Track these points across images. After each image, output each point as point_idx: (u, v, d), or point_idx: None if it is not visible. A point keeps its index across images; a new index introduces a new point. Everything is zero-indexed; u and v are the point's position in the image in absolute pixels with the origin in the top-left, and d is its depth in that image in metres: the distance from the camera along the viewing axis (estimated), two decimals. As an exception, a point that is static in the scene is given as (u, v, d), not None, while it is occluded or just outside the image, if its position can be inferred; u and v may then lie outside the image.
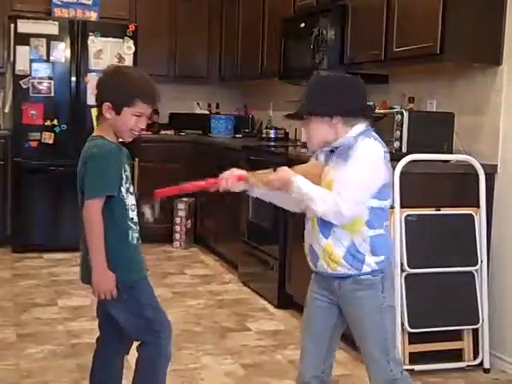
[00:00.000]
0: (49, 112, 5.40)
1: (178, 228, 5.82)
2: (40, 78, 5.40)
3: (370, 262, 1.92)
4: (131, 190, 2.31)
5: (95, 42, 5.53)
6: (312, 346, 2.11)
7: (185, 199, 5.86)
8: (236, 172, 2.02)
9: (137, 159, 5.70)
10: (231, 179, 2.00)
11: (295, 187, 1.86)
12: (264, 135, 5.54)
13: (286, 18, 4.85)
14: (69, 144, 5.45)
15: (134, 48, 5.61)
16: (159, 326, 2.29)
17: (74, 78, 5.48)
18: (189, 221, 5.83)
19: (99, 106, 2.22)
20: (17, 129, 5.41)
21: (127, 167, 2.33)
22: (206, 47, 6.35)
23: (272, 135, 5.46)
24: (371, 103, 1.92)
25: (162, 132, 6.12)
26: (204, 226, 5.72)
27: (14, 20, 5.35)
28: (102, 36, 5.54)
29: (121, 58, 5.59)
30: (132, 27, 5.62)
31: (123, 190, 2.26)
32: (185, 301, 4.24)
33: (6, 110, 5.66)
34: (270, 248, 4.32)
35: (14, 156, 5.41)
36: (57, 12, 5.66)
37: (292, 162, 4.07)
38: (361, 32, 3.95)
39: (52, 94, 5.42)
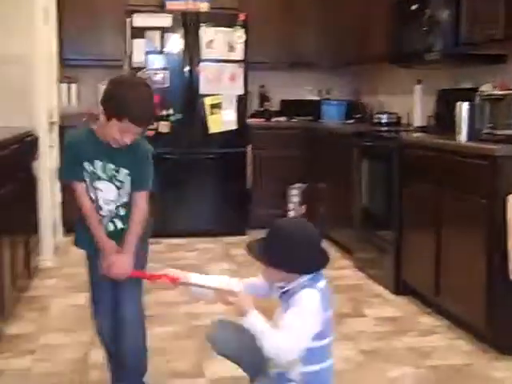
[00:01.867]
0: (164, 102, 5.54)
1: (291, 214, 5.86)
2: (155, 70, 5.57)
3: None
4: (99, 186, 2.44)
5: (207, 33, 5.63)
6: None
7: (297, 185, 5.89)
8: (171, 273, 2.20)
9: (250, 146, 5.79)
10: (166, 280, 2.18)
11: (249, 321, 1.93)
12: (376, 120, 5.45)
13: (396, 0, 4.74)
14: (183, 133, 5.61)
15: (244, 37, 5.67)
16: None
17: (187, 68, 5.61)
18: (302, 206, 5.85)
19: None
20: (135, 119, 5.59)
21: (98, 163, 2.42)
22: (316, 33, 6.30)
23: (384, 120, 5.36)
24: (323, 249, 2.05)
25: (274, 119, 6.16)
26: (317, 212, 5.72)
27: (129, 14, 5.55)
28: (213, 26, 5.63)
29: (232, 47, 5.66)
30: (242, 16, 5.68)
31: (88, 183, 2.44)
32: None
33: (125, 102, 5.86)
34: (385, 233, 4.27)
35: (132, 145, 5.59)
36: (169, 5, 5.81)
37: (406, 146, 4.02)
38: (476, 11, 3.80)
39: (167, 85, 5.58)
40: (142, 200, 2.46)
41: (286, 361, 1.95)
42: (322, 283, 2.00)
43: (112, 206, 2.47)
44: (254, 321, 1.91)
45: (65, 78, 5.83)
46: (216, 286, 2.15)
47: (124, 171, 2.42)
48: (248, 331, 1.95)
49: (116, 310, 2.56)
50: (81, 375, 2.93)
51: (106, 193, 2.44)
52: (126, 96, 2.26)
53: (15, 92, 4.53)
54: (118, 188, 2.45)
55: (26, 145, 4.20)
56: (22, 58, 4.52)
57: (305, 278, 1.99)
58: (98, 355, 3.11)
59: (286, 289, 2.01)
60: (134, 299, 2.56)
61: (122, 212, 2.49)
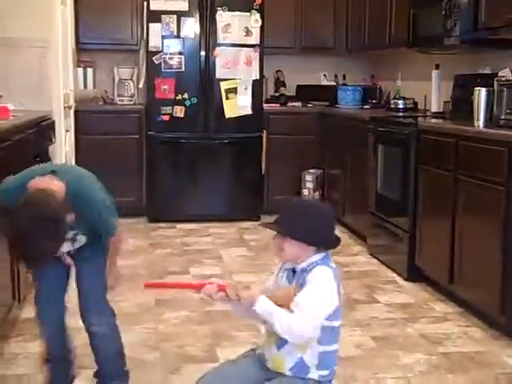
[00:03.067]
0: (180, 86, 5.56)
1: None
2: (171, 54, 5.56)
3: (314, 376, 1.97)
4: None
5: (223, 17, 5.61)
6: None
7: (312, 171, 5.88)
8: (218, 282, 2.07)
9: (265, 131, 5.79)
10: (213, 288, 2.05)
11: (259, 306, 1.90)
12: (392, 106, 5.41)
13: (415, -16, 4.70)
14: (198, 117, 5.62)
15: (260, 21, 5.64)
16: None
17: (203, 53, 5.60)
18: (316, 192, 5.85)
19: None
20: (150, 103, 5.62)
21: None
22: (333, 18, 6.26)
23: (400, 105, 5.33)
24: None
25: (290, 104, 6.14)
26: (331, 198, 5.71)
27: (146, -2, 5.54)
28: (229, 10, 5.61)
29: (248, 32, 5.64)
30: (259, 0, 5.64)
31: None
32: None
33: (141, 86, 5.89)
34: (399, 220, 4.26)
35: (148, 130, 5.63)
36: (185, -12, 5.78)
37: (422, 132, 4.00)
38: (497, -6, 3.75)
39: (182, 69, 5.58)
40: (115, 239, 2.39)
41: (302, 340, 1.93)
42: (333, 264, 2.00)
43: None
44: (265, 305, 1.90)
45: (81, 62, 5.85)
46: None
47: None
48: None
49: (83, 320, 2.51)
50: (92, 359, 2.95)
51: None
52: (7, 234, 2.03)
53: (32, 76, 4.55)
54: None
55: (43, 129, 4.22)
56: (39, 41, 4.53)
57: (318, 257, 1.97)
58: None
59: (298, 267, 1.98)
60: (98, 305, 2.49)
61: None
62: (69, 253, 2.39)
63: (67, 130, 4.94)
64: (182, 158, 5.62)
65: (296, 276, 1.99)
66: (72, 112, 5.22)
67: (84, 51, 5.83)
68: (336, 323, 1.97)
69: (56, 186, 2.12)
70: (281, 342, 1.96)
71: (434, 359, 3.00)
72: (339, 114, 5.75)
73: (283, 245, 1.97)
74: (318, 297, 1.90)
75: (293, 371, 1.97)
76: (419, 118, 4.43)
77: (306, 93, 6.33)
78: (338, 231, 5.44)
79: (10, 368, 2.87)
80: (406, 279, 4.11)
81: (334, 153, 5.68)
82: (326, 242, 1.98)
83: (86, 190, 2.25)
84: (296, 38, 6.19)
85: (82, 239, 2.35)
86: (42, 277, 2.48)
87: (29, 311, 3.45)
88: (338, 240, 2.00)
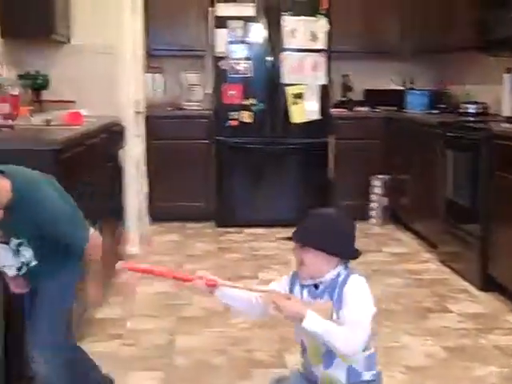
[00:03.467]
0: (247, 92, 5.58)
1: (374, 205, 5.80)
2: (238, 59, 5.59)
3: (367, 377, 1.97)
4: None
5: (289, 22, 5.60)
6: None
7: (380, 176, 5.80)
8: (209, 277, 2.01)
9: (332, 136, 5.75)
10: (202, 284, 1.99)
11: (309, 323, 1.85)
12: (462, 110, 5.30)
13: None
14: (265, 122, 5.63)
15: (327, 26, 5.61)
16: None
17: (269, 58, 5.61)
18: (385, 198, 5.77)
19: None
20: (217, 108, 5.66)
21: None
22: (399, 22, 6.17)
23: (471, 110, 5.20)
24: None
25: (357, 108, 6.09)
26: (400, 203, 5.63)
27: (213, 4, 5.59)
28: (295, 15, 5.60)
29: (314, 36, 5.62)
30: (325, 4, 5.61)
31: None
32: (382, 279, 4.20)
33: (208, 91, 5.95)
34: (470, 227, 4.15)
35: (216, 135, 5.67)
36: (252, -6, 5.81)
37: (496, 137, 3.89)
38: None
39: (249, 75, 5.60)
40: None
41: (357, 352, 1.90)
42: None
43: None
44: (316, 322, 1.85)
45: (150, 67, 5.94)
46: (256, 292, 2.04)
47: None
48: None
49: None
50: (166, 360, 2.99)
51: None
52: None
53: (103, 82, 4.64)
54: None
55: (114, 134, 4.30)
56: (110, 48, 4.64)
57: (342, 268, 1.94)
58: (183, 342, 3.19)
59: (323, 280, 1.94)
60: (44, 339, 2.15)
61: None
62: (19, 275, 2.16)
63: (137, 136, 5.01)
64: (250, 163, 5.64)
65: (322, 291, 1.94)
66: (142, 117, 5.29)
67: (153, 57, 5.92)
68: (371, 327, 1.94)
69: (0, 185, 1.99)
70: (327, 361, 1.94)
71: (507, 372, 2.90)
72: (407, 118, 5.67)
73: (304, 257, 1.94)
74: (365, 307, 1.88)
75: (350, 381, 1.95)
76: (491, 123, 4.32)
77: (373, 97, 6.26)
78: (407, 237, 5.37)
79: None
80: (478, 288, 3.98)
81: (401, 158, 5.59)
82: (348, 252, 1.95)
83: (37, 195, 2.04)
84: (363, 41, 6.11)
85: (26, 254, 2.11)
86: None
87: (103, 312, 3.55)
88: (358, 251, 1.97)
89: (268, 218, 5.63)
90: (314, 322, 1.83)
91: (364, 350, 1.93)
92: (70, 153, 2.90)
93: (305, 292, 1.98)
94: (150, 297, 3.87)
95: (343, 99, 6.26)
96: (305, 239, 1.93)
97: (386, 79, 6.41)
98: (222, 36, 5.58)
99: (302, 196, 5.69)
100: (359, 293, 1.90)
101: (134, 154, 4.84)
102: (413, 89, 6.25)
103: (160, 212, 5.54)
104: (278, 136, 5.63)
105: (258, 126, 5.61)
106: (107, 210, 3.95)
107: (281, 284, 2.05)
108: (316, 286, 1.95)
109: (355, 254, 1.97)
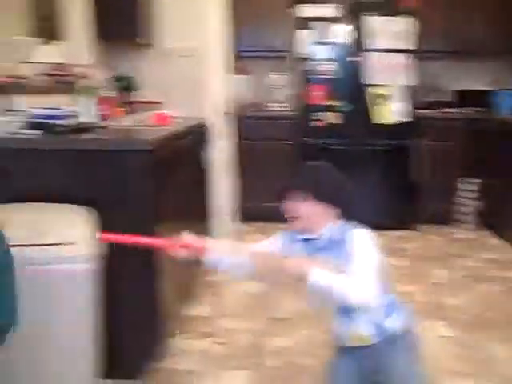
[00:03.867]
0: (331, 92, 5.53)
1: (465, 209, 5.63)
2: (321, 60, 5.55)
3: (390, 324, 1.93)
4: None
5: (373, 22, 5.52)
6: None
7: (469, 179, 5.62)
8: (185, 238, 1.94)
9: (419, 138, 5.61)
10: (174, 246, 1.93)
11: (314, 280, 1.77)
12: (557, 111, 5.09)
13: None
14: (351, 123, 5.55)
15: (412, 26, 5.48)
16: None
17: (353, 59, 5.54)
18: (478, 202, 5.57)
19: None
20: (302, 110, 5.63)
21: None
22: (486, 20, 5.99)
23: None
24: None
25: (444, 110, 5.92)
26: (490, 208, 5.44)
27: (294, 5, 5.57)
28: (379, 15, 5.51)
29: (399, 36, 5.51)
30: (410, 5, 5.49)
31: None
32: (476, 285, 4.06)
33: (292, 92, 5.92)
34: None
35: (301, 136, 5.64)
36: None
37: None
38: None
39: (333, 75, 5.55)
40: None
41: (369, 303, 1.83)
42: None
43: None
44: (322, 277, 1.77)
45: (237, 69, 5.97)
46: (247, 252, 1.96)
47: None
48: None
49: None
50: (256, 360, 2.97)
51: None
52: None
53: (189, 83, 4.69)
54: None
55: (200, 135, 4.33)
56: (197, 50, 4.68)
57: (340, 223, 1.88)
58: (274, 343, 3.17)
59: (320, 233, 1.88)
60: None
61: None
62: None
63: (225, 136, 5.03)
64: (335, 165, 5.54)
65: (324, 246, 1.88)
66: (230, 118, 5.31)
67: (240, 58, 5.94)
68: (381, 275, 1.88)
69: None
70: (345, 318, 1.90)
71: None
72: (496, 120, 5.48)
73: (301, 210, 1.86)
74: (369, 255, 1.84)
75: (377, 331, 1.91)
76: None
77: (462, 98, 6.10)
78: (500, 243, 5.16)
79: (178, 363, 2.94)
80: None
81: (491, 161, 5.40)
82: (344, 203, 1.89)
83: None
84: (448, 41, 5.95)
85: None
86: None
87: (197, 309, 3.58)
88: (354, 202, 1.93)
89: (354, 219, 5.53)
90: (319, 275, 1.77)
91: (380, 299, 1.88)
92: (161, 152, 2.92)
93: (306, 247, 1.91)
94: (240, 296, 3.87)
95: (431, 100, 6.11)
96: (302, 189, 1.88)
97: (475, 80, 6.22)
98: (304, 37, 5.55)
99: (389, 198, 5.59)
100: (362, 243, 1.86)
101: (219, 154, 4.86)
102: (503, 89, 6.04)
103: (247, 213, 5.54)
104: (363, 137, 5.55)
105: (342, 128, 5.55)
106: (195, 208, 3.97)
107: (275, 243, 1.98)
108: (316, 242, 1.90)
109: (351, 206, 1.92)
